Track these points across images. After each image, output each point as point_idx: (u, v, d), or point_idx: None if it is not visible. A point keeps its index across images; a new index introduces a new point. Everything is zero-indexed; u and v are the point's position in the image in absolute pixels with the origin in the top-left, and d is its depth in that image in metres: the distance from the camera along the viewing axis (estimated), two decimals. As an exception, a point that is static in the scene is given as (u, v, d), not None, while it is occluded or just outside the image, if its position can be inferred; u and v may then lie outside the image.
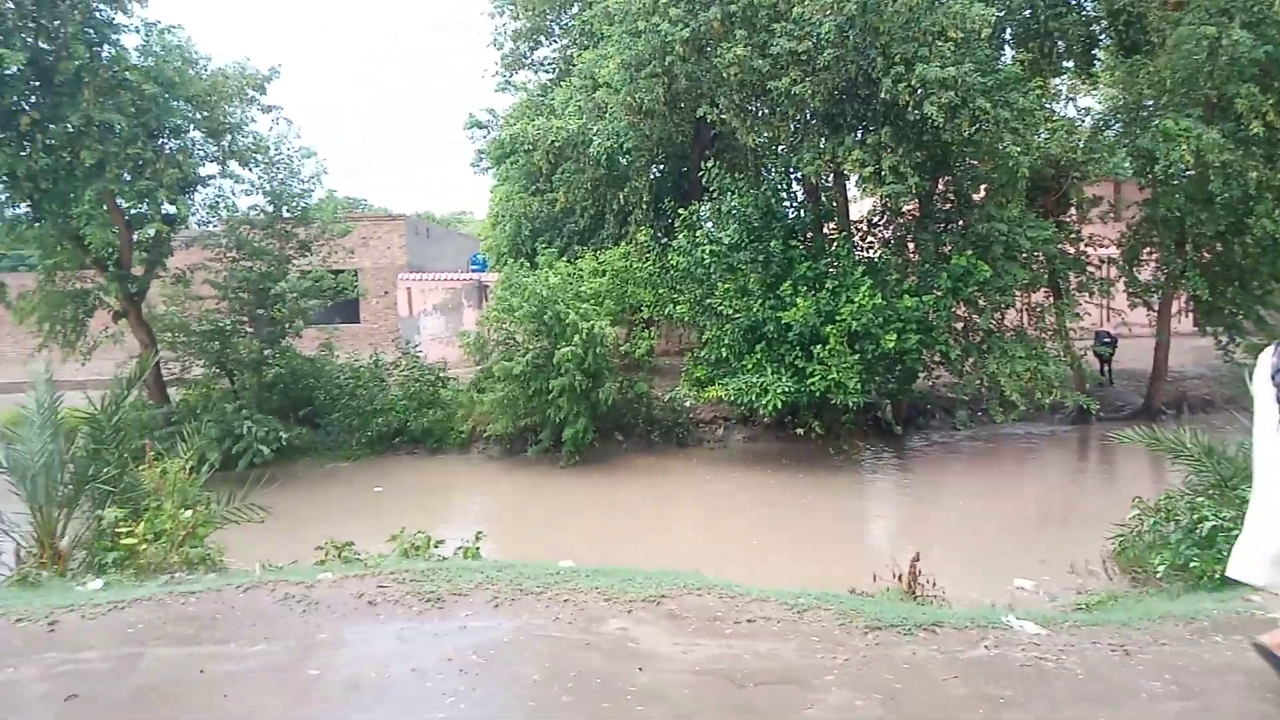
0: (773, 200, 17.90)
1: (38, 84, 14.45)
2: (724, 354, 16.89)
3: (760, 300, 16.52)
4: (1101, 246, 19.88)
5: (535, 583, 6.11)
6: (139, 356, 17.84)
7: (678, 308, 17.74)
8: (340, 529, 8.78)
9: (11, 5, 13.50)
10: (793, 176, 19.31)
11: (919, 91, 14.49)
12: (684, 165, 22.86)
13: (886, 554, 11.02)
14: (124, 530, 7.73)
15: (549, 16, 24.02)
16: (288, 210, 18.71)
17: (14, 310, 17.74)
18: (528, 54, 25.09)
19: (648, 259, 19.14)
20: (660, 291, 18.38)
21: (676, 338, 23.00)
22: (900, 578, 7.39)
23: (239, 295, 18.49)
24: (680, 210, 18.42)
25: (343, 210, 21.20)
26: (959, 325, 17.67)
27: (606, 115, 18.90)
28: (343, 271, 21.07)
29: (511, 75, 25.22)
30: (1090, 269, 19.23)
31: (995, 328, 17.51)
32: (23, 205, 15.68)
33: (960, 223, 17.69)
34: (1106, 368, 21.94)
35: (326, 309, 21.31)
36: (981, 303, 17.21)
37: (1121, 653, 4.84)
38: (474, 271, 29.79)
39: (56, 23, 14.32)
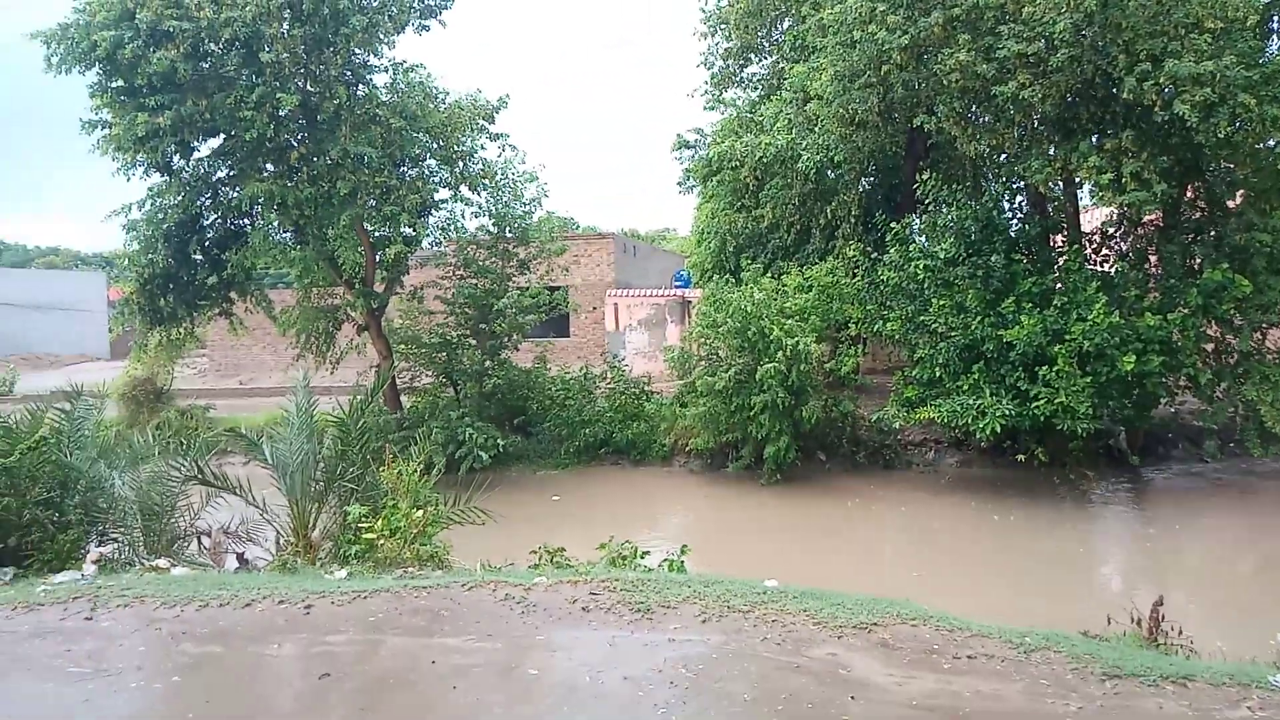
0: (994, 212, 16.93)
1: (304, 122, 16.31)
2: (937, 373, 16.12)
3: (979, 317, 15.65)
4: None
5: (742, 600, 6.11)
6: (377, 366, 19.64)
7: (887, 325, 17.15)
8: (550, 534, 9.20)
9: (287, 55, 15.35)
10: (1015, 186, 18.18)
11: (1168, 90, 13.21)
12: (896, 177, 22.13)
13: (1119, 595, 10.12)
14: (365, 525, 8.49)
15: (759, 34, 24.06)
16: (510, 231, 19.86)
17: (278, 323, 20.00)
18: (737, 72, 25.24)
19: (856, 274, 18.66)
20: (869, 308, 17.83)
21: (885, 356, 22.24)
22: (1139, 622, 6.77)
23: (465, 310, 19.86)
24: (891, 224, 17.83)
25: (558, 230, 22.29)
26: (1209, 346, 15.89)
27: (816, 129, 18.64)
28: (557, 288, 22.09)
29: (721, 93, 25.47)
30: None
31: (1255, 349, 15.60)
32: (289, 230, 17.72)
33: (1213, 233, 15.91)
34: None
35: (540, 323, 22.43)
36: (1238, 321, 15.39)
37: None
38: (677, 288, 30.27)
39: (322, 67, 16.12)
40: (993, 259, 15.91)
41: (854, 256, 18.74)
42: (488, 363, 19.98)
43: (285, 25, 15.43)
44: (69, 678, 5.21)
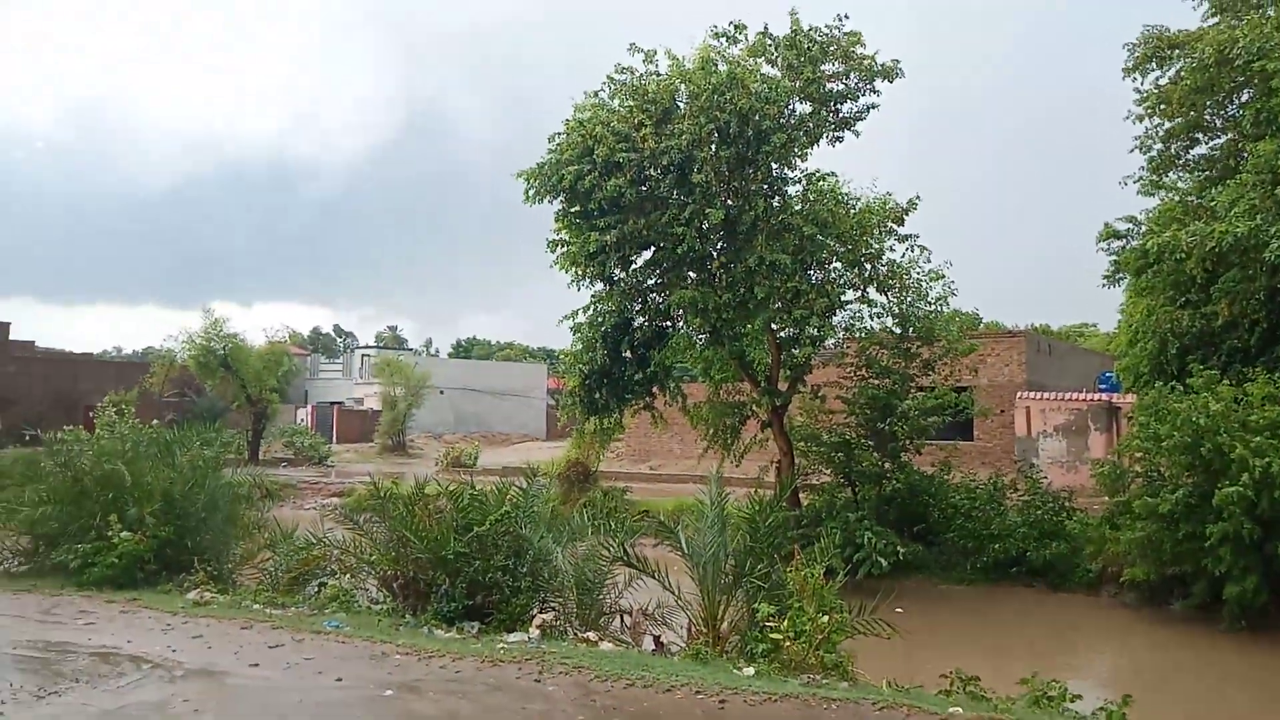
0: None
1: (724, 233, 17.70)
2: None
3: None
4: None
5: (1213, 779, 5.16)
6: (777, 462, 20.15)
7: (1402, 448, 13.73)
8: (952, 655, 8.64)
9: (714, 174, 16.89)
10: None
11: None
12: None
13: None
14: (771, 625, 8.65)
15: (1210, 110, 21.34)
16: (913, 330, 19.44)
17: (690, 417, 21.52)
18: (1181, 154, 22.54)
19: (1350, 384, 15.31)
20: (1373, 426, 14.45)
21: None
22: None
23: (865, 411, 19.70)
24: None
25: (964, 327, 21.34)
26: None
27: (1291, 213, 15.90)
28: (963, 389, 21.06)
29: (1160, 178, 22.85)
30: None
31: None
32: (706, 332, 19.16)
33: None
34: None
35: (943, 426, 21.47)
36: None
37: None
38: (1102, 391, 27.24)
39: (743, 183, 17.47)
40: None
41: (1348, 362, 15.43)
42: (887, 465, 19.55)
43: (714, 148, 17.01)
44: (526, 733, 5.95)
